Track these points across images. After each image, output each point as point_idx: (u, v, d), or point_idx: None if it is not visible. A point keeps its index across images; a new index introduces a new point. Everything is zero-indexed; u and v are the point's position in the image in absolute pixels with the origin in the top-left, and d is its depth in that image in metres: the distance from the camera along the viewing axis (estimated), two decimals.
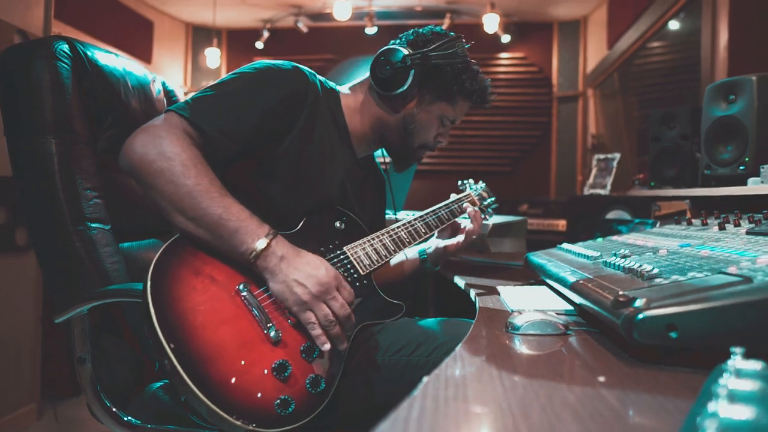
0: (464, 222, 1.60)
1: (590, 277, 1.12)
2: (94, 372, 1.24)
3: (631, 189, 2.76)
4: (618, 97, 5.10)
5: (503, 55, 5.77)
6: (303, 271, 1.10)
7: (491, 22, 5.06)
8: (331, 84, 1.47)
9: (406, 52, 1.39)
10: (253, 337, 1.04)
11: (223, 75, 1.48)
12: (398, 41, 1.45)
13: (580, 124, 5.48)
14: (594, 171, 3.19)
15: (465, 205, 1.63)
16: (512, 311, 1.16)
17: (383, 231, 1.41)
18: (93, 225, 1.31)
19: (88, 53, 1.40)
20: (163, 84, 1.74)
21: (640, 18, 4.08)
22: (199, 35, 6.24)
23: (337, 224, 1.36)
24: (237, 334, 1.03)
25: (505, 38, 5.56)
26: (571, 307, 1.18)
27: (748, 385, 0.51)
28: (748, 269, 0.85)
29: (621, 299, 0.83)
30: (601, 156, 3.24)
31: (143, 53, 5.62)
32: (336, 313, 1.13)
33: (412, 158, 1.54)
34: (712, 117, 1.86)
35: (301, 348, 1.09)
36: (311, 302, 1.10)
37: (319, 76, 1.41)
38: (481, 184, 1.76)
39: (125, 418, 1.22)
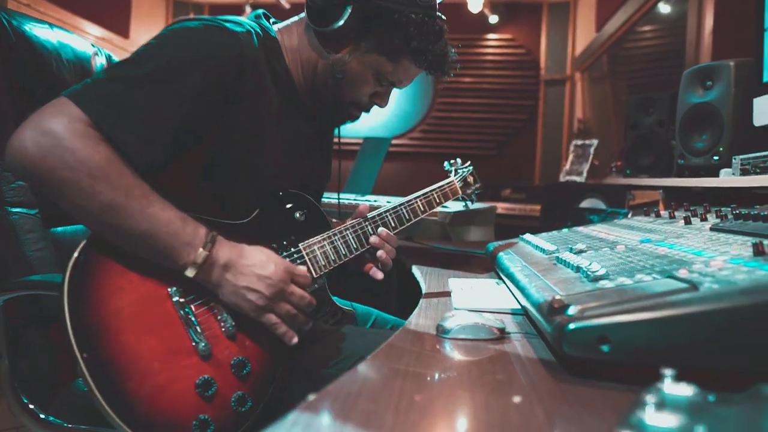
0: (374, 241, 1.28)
1: (537, 274, 1.04)
2: (12, 368, 1.16)
3: (608, 177, 2.68)
4: (606, 81, 5.00)
5: (491, 36, 5.64)
6: (251, 275, 1.00)
7: (475, 1, 4.93)
8: (269, 27, 1.25)
9: None
10: (179, 348, 0.95)
11: None
12: None
13: (567, 109, 5.38)
14: (571, 157, 3.10)
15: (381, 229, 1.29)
16: (455, 309, 1.08)
17: (348, 225, 1.25)
18: (14, 210, 1.22)
19: (14, 23, 1.29)
20: (109, 57, 1.63)
21: (628, 1, 3.97)
22: (180, 9, 6.07)
23: (297, 215, 1.21)
24: (162, 344, 0.94)
25: (493, 19, 5.43)
26: (518, 306, 1.11)
27: (671, 420, 0.43)
28: (699, 273, 0.78)
29: (555, 305, 0.76)
30: (579, 142, 3.16)
31: (120, 28, 5.45)
32: (297, 305, 1.06)
33: (341, 114, 1.30)
34: (688, 104, 1.78)
35: (232, 362, 1.00)
36: (269, 305, 1.02)
37: (256, 27, 1.19)
38: (469, 167, 1.59)
39: (42, 416, 1.14)
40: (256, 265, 1.01)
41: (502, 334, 0.88)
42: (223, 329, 1.01)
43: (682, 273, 0.80)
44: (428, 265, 1.67)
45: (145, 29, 5.80)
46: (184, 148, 1.07)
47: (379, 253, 1.26)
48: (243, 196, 1.15)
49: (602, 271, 0.89)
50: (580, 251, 1.18)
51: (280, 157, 1.21)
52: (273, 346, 1.06)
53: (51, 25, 1.45)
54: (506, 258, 1.30)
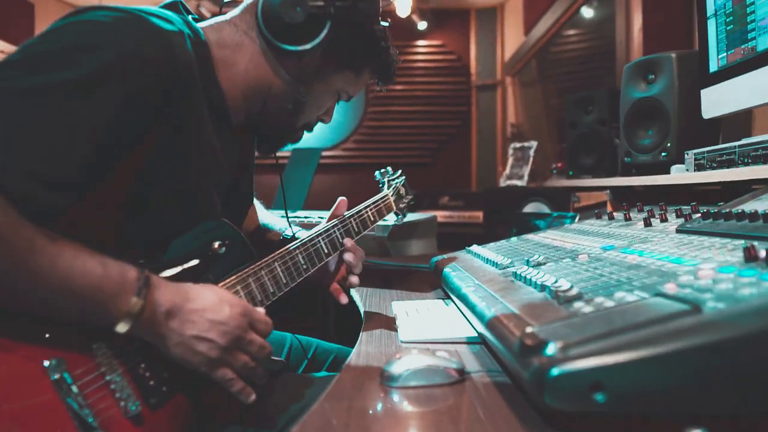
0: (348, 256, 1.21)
1: (494, 295, 0.89)
2: None
3: (549, 179, 2.60)
4: (536, 85, 5.02)
5: (420, 42, 5.57)
6: (202, 322, 0.80)
7: (403, 5, 4.83)
8: (198, 29, 0.97)
9: None
10: None
11: None
12: None
13: (499, 113, 5.36)
14: (510, 161, 3.02)
15: (347, 240, 1.22)
16: (402, 343, 0.91)
17: (275, 256, 1.04)
18: None
19: None
20: None
21: (554, 4, 3.98)
22: None
23: (216, 245, 0.93)
24: None
25: (422, 25, 5.36)
26: (475, 334, 0.95)
27: None
28: (692, 288, 0.64)
29: (528, 341, 0.60)
30: (518, 144, 3.08)
31: (24, 39, 5.03)
32: (256, 357, 0.86)
33: (287, 140, 1.15)
34: (631, 99, 1.69)
35: None
36: (223, 357, 0.82)
37: (184, 26, 0.92)
38: (400, 179, 1.47)
39: None
40: (207, 309, 0.81)
41: (461, 376, 0.71)
42: (125, 412, 0.77)
43: (670, 288, 0.66)
44: (368, 284, 1.49)
45: None
46: (93, 185, 0.79)
47: (349, 259, 1.19)
48: (163, 232, 0.90)
49: (574, 291, 0.74)
50: (538, 264, 1.04)
51: (208, 185, 0.98)
52: (196, 422, 0.86)
53: None
54: (455, 276, 1.14)
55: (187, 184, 0.92)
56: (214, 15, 1.06)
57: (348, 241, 1.21)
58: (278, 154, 1.21)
